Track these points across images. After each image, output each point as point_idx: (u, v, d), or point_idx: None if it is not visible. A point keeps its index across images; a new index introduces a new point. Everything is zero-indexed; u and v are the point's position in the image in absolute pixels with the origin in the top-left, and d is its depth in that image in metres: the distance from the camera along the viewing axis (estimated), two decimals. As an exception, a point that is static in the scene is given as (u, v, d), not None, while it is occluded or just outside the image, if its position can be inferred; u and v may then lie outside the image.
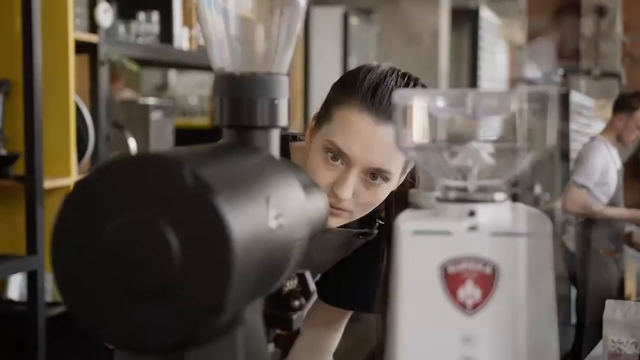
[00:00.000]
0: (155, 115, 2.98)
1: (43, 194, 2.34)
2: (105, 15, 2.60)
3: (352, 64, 5.85)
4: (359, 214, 1.28)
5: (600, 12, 9.17)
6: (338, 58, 5.10)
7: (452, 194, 0.70)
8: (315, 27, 4.67)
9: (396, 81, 1.24)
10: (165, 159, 0.62)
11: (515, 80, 9.73)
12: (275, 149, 0.82)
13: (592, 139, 4.42)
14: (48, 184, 2.38)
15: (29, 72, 2.33)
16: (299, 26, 0.83)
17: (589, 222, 4.26)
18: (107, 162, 0.63)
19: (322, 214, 0.86)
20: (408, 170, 1.30)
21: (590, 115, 7.87)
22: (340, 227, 1.30)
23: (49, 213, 2.37)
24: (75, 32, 2.51)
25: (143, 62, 3.17)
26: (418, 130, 0.71)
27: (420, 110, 0.70)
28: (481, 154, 0.70)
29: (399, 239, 0.68)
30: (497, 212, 0.69)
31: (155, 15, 2.97)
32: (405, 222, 0.69)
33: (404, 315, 0.68)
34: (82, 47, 2.59)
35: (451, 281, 0.67)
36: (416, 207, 0.78)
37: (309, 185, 0.85)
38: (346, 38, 5.18)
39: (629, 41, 9.66)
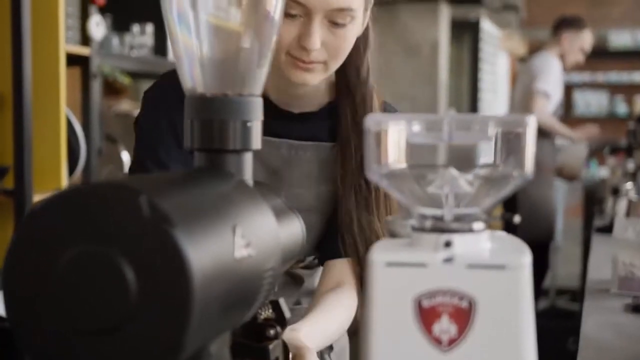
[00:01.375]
0: (150, 128, 2.93)
1: (32, 209, 2.31)
2: (97, 28, 2.57)
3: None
4: (334, 64, 1.24)
5: None
6: (336, 70, 5.07)
7: (428, 223, 0.67)
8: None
9: None
10: (122, 187, 0.58)
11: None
12: (247, 172, 0.78)
13: (539, 53, 4.52)
14: (38, 198, 2.35)
15: (19, 85, 2.30)
16: (272, 47, 0.81)
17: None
18: (64, 189, 0.60)
19: (297, 240, 0.83)
20: (370, 6, 1.29)
21: (496, 45, 7.92)
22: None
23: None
24: (67, 45, 2.48)
25: (137, 74, 3.14)
26: (392, 156, 0.67)
27: (394, 135, 0.67)
28: (458, 181, 0.67)
29: (371, 270, 0.65)
30: (475, 243, 0.66)
31: (149, 28, 2.95)
32: (378, 253, 0.65)
33: (377, 351, 0.64)
34: (74, 60, 2.56)
35: (426, 315, 0.63)
36: (392, 235, 0.75)
37: (283, 210, 0.82)
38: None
39: None
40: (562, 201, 6.06)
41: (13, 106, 2.31)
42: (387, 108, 1.39)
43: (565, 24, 4.38)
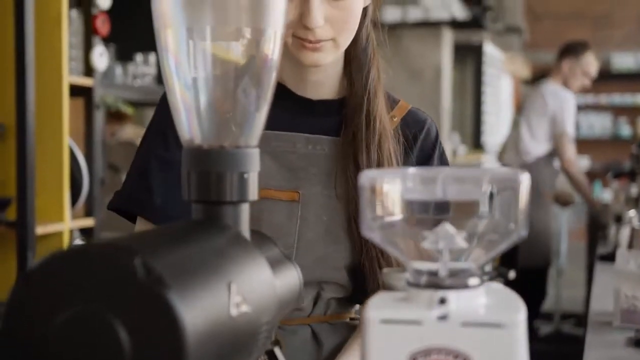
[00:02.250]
0: (153, 157, 2.94)
1: (35, 240, 2.31)
2: (101, 58, 2.59)
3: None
4: (344, 40, 1.18)
5: None
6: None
7: (423, 279, 0.67)
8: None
9: None
10: (116, 248, 0.59)
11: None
12: (244, 224, 0.79)
13: (546, 84, 4.51)
14: (40, 229, 2.35)
15: (23, 116, 2.31)
16: (268, 98, 0.81)
17: (535, 163, 4.35)
18: (58, 251, 0.60)
19: (294, 290, 0.83)
20: None
21: (499, 67, 7.95)
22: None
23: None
24: (71, 76, 2.50)
25: (141, 103, 3.16)
26: (386, 212, 0.68)
27: (388, 191, 0.67)
28: (453, 237, 0.67)
29: (366, 327, 0.65)
30: (470, 299, 0.66)
31: (152, 57, 2.96)
32: (374, 310, 0.65)
33: (372, 409, 0.64)
34: (77, 91, 2.58)
35: (421, 373, 0.63)
36: (388, 287, 0.75)
37: (279, 260, 0.82)
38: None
39: None
40: (566, 224, 6.05)
41: (16, 137, 2.32)
42: (389, 96, 1.32)
43: (565, 50, 4.41)
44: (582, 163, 10.07)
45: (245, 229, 0.78)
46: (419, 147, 1.30)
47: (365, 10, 1.24)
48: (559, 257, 5.75)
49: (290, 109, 1.26)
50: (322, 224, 1.22)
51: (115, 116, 3.43)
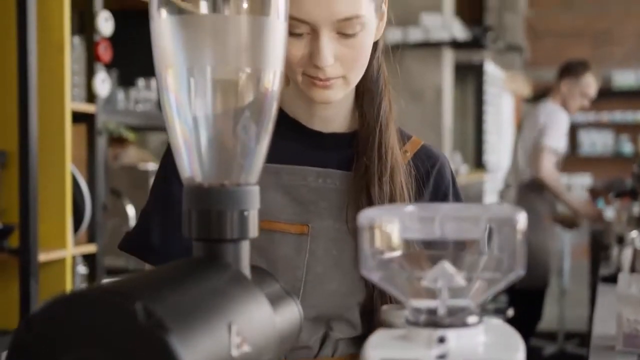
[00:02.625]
0: (155, 181, 2.96)
1: (38, 268, 2.31)
2: (103, 85, 2.61)
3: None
4: (354, 77, 1.17)
5: None
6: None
7: (422, 318, 0.67)
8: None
9: None
10: (117, 293, 0.59)
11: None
12: (245, 261, 0.79)
13: (544, 103, 4.50)
14: (43, 256, 2.36)
15: (25, 143, 2.32)
16: (268, 136, 0.82)
17: (531, 185, 4.31)
18: (59, 295, 0.61)
19: (295, 325, 0.83)
20: (383, 5, 1.20)
21: (500, 86, 7.96)
22: None
23: (43, 287, 2.35)
24: (73, 103, 2.51)
25: (143, 128, 3.18)
26: (384, 250, 0.68)
27: (387, 231, 0.68)
28: (452, 275, 0.67)
29: (366, 366, 0.65)
30: (469, 338, 0.66)
31: (154, 82, 2.98)
32: (373, 348, 0.66)
33: None
34: (79, 117, 2.59)
35: (421, 413, 0.64)
36: (387, 325, 0.76)
37: (280, 296, 0.83)
38: (349, 97, 5.19)
39: (533, 15, 9.75)
40: (569, 243, 6.05)
41: (19, 164, 2.33)
42: (401, 132, 1.31)
43: (564, 70, 4.42)
44: (584, 181, 10.09)
45: (245, 266, 0.79)
46: (432, 184, 1.28)
47: (376, 42, 1.23)
48: (562, 277, 5.74)
49: (302, 143, 1.26)
50: (331, 258, 1.20)
51: (118, 139, 3.45)
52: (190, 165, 0.80)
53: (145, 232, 1.24)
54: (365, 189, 1.21)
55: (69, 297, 0.59)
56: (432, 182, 1.28)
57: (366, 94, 1.25)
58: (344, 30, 1.12)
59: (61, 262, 2.45)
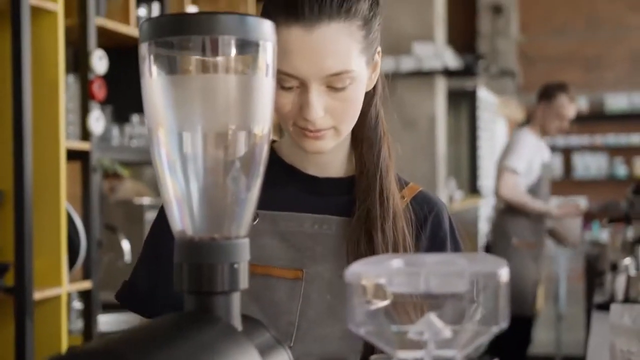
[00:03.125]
0: (151, 215, 2.98)
1: (33, 306, 2.32)
2: (97, 122, 2.63)
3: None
4: (345, 128, 1.17)
5: (496, 10, 9.34)
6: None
7: (409, 370, 0.69)
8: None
9: None
10: (106, 353, 0.61)
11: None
12: (235, 312, 0.81)
13: (520, 128, 4.55)
14: (38, 295, 2.36)
15: (20, 182, 2.34)
16: (257, 190, 0.83)
17: (506, 211, 4.32)
18: (52, 356, 0.62)
19: (286, 375, 0.85)
20: (375, 55, 1.19)
21: (494, 111, 8.00)
22: None
23: (39, 324, 2.35)
24: (68, 141, 2.53)
25: (138, 163, 3.20)
26: (372, 304, 0.70)
27: (373, 284, 0.69)
28: (437, 327, 0.69)
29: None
30: (455, 389, 0.67)
31: (148, 117, 3.01)
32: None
33: None
34: (74, 154, 2.61)
35: None
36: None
37: (271, 346, 0.84)
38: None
39: (525, 40, 9.82)
40: (565, 268, 6.06)
41: (14, 203, 2.34)
42: (398, 177, 1.29)
43: (540, 94, 4.44)
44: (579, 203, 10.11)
45: (236, 318, 0.80)
46: (430, 230, 1.28)
47: (374, 89, 1.24)
48: (558, 301, 5.74)
49: (298, 188, 1.26)
50: (325, 303, 1.20)
51: (114, 174, 3.46)
52: (182, 220, 0.82)
53: (136, 285, 1.27)
54: (366, 235, 1.21)
55: (62, 357, 0.61)
56: (429, 228, 1.27)
57: (365, 141, 1.24)
58: (334, 84, 1.12)
59: (56, 299, 2.45)
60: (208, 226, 0.81)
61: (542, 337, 6.54)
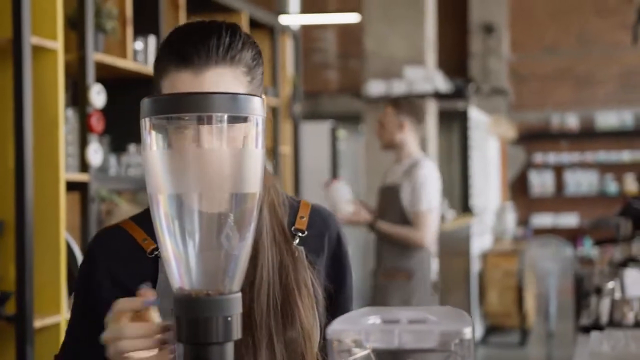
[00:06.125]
0: (146, 241, 3.04)
1: (34, 334, 2.40)
2: (95, 155, 2.71)
3: (342, 173, 6.00)
4: None
5: (488, 29, 9.44)
6: (327, 170, 5.25)
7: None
8: (305, 141, 4.80)
9: (201, 24, 1.20)
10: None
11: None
12: (229, 361, 0.89)
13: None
14: (38, 322, 2.44)
15: (22, 213, 2.42)
16: (248, 249, 0.92)
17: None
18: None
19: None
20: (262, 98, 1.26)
21: (486, 130, 8.08)
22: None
23: (39, 352, 2.42)
24: (67, 173, 2.61)
25: (135, 190, 3.28)
26: (350, 356, 0.78)
27: (351, 341, 0.78)
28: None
29: None
30: None
31: (145, 147, 3.09)
32: None
33: None
34: (73, 185, 2.69)
35: None
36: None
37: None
38: (335, 150, 5.33)
39: (517, 59, 9.93)
40: (555, 283, 6.13)
41: (15, 233, 2.42)
42: (291, 202, 1.33)
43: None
44: (570, 220, 10.22)
45: (230, 366, 0.89)
46: (329, 246, 1.32)
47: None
48: (548, 319, 5.82)
49: None
50: None
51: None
52: (180, 277, 0.90)
53: (72, 348, 1.25)
54: None
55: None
56: (328, 245, 1.32)
57: None
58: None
59: (56, 327, 2.53)
60: (204, 282, 0.90)
61: (533, 354, 6.63)
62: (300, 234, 1.28)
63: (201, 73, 1.16)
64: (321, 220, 1.34)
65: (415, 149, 3.94)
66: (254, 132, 0.89)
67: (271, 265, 1.22)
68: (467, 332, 0.76)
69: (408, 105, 3.95)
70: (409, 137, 3.90)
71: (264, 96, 1.29)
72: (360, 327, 0.78)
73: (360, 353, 0.79)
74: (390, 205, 3.83)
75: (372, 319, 0.80)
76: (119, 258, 1.24)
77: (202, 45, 1.16)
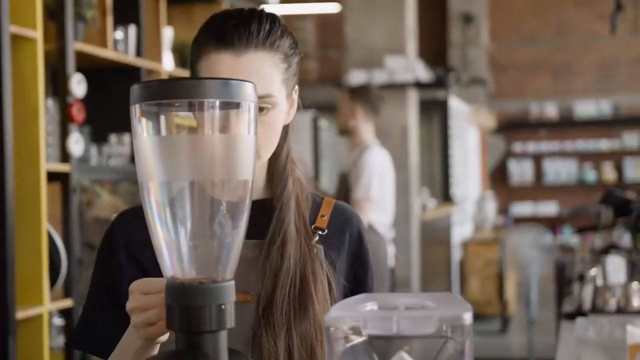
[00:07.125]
0: (128, 232, 3.02)
1: (16, 325, 2.37)
2: (76, 145, 2.68)
3: (324, 165, 5.99)
4: (265, 153, 1.23)
5: (467, 19, 9.48)
6: (309, 160, 5.25)
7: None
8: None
9: (241, 11, 1.22)
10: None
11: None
12: (223, 349, 0.88)
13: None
14: (21, 314, 2.42)
15: (2, 204, 2.38)
16: (241, 237, 0.91)
17: None
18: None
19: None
20: (294, 93, 1.27)
21: (465, 119, 8.13)
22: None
23: (21, 343, 2.40)
24: (48, 163, 2.58)
25: (117, 180, 3.25)
26: (348, 346, 0.77)
27: (349, 327, 0.77)
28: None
29: None
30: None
31: (127, 137, 3.06)
32: None
33: None
34: (54, 176, 2.66)
35: None
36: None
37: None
38: (316, 140, 5.33)
39: (496, 49, 10.00)
40: (536, 271, 6.16)
41: (-5, 225, 2.39)
42: (314, 198, 1.35)
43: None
44: (549, 209, 10.29)
45: (224, 354, 0.88)
46: (349, 244, 1.33)
47: (286, 128, 1.30)
48: (530, 307, 5.85)
49: None
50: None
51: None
52: (172, 266, 0.89)
53: (92, 327, 1.25)
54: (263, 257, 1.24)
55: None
56: (348, 243, 1.33)
57: (275, 177, 1.29)
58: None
59: (38, 318, 2.51)
60: (196, 271, 0.89)
61: (514, 341, 6.67)
62: (320, 232, 1.29)
63: (241, 55, 1.18)
64: (343, 218, 1.35)
65: (368, 137, 4.00)
66: (246, 118, 0.88)
67: (298, 256, 1.24)
68: (467, 318, 0.76)
69: (363, 93, 4.00)
70: (361, 124, 3.94)
71: (296, 92, 1.31)
72: (358, 313, 0.77)
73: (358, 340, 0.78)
74: (341, 192, 3.90)
75: (370, 305, 0.80)
76: (138, 239, 1.21)
77: (244, 28, 1.19)
